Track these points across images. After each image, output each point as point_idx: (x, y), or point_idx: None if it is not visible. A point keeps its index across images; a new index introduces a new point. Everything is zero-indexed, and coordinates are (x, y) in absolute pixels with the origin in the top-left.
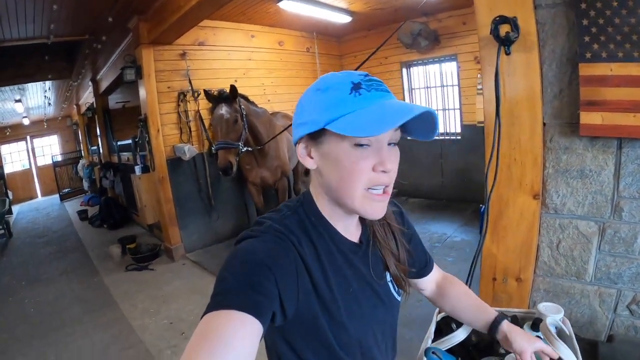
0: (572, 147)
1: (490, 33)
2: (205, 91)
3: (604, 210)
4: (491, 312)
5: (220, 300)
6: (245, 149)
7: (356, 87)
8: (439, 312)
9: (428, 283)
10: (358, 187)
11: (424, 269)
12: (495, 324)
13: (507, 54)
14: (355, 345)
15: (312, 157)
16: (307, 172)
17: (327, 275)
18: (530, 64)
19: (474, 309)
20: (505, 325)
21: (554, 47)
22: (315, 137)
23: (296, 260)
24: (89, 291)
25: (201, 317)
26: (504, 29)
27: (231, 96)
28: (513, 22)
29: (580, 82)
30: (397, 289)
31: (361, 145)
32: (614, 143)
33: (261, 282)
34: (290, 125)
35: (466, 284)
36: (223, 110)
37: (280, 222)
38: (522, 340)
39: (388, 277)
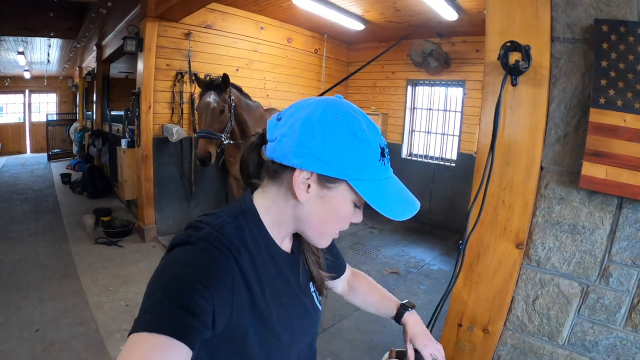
0: (568, 198)
1: (498, 59)
2: (195, 75)
3: (591, 273)
4: (395, 302)
5: (150, 321)
6: (227, 141)
7: (382, 153)
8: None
9: (339, 282)
10: (332, 232)
11: (341, 273)
12: (399, 314)
13: (514, 84)
14: (284, 355)
15: (308, 192)
16: None
17: (263, 286)
18: (537, 100)
19: (380, 299)
20: (408, 316)
21: (565, 86)
22: (329, 181)
23: (234, 274)
24: (53, 258)
25: (129, 334)
26: (514, 57)
27: (222, 85)
28: (525, 51)
29: (588, 129)
30: (319, 298)
31: (358, 206)
32: (614, 202)
33: (196, 302)
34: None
35: (428, 325)
36: (211, 98)
37: (220, 230)
38: (424, 338)
39: (312, 288)
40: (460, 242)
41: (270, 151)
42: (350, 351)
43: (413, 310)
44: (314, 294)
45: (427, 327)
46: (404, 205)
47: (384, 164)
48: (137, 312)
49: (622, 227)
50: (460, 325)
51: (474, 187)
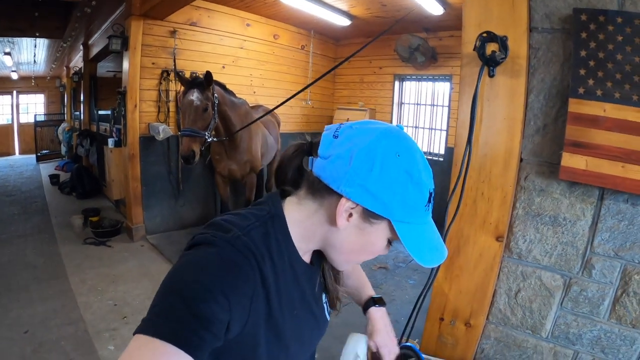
0: (548, 190)
1: (475, 50)
2: (178, 72)
3: (573, 265)
4: (366, 294)
5: (161, 327)
6: (212, 139)
7: (429, 198)
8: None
9: None
10: (357, 260)
11: None
12: (365, 307)
13: (491, 76)
14: None
15: (348, 221)
16: None
17: (280, 295)
18: (515, 91)
19: (355, 286)
20: (374, 311)
21: (544, 77)
22: (373, 216)
23: (255, 283)
24: (42, 259)
25: (135, 332)
26: (491, 47)
27: (205, 83)
28: (502, 42)
29: (567, 119)
30: (329, 309)
31: (390, 242)
32: (596, 193)
33: (213, 311)
34: (262, 116)
35: (409, 320)
36: (194, 96)
37: (247, 234)
38: (384, 336)
39: (324, 299)
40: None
41: (319, 168)
42: (338, 346)
43: (381, 306)
44: (325, 304)
45: (409, 321)
46: (434, 252)
47: (428, 209)
48: (125, 311)
49: (604, 218)
50: (442, 319)
51: (452, 179)
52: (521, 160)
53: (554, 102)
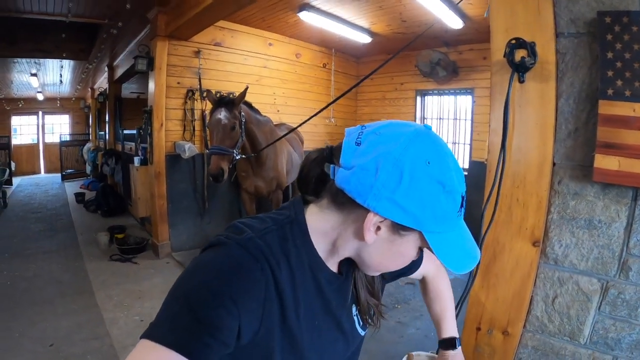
0: (582, 193)
1: (504, 56)
2: (206, 91)
3: (610, 268)
4: (445, 331)
5: (167, 332)
6: (239, 156)
7: (462, 203)
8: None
9: (416, 275)
10: (388, 269)
11: (405, 273)
12: (443, 346)
13: (521, 82)
14: None
15: (377, 234)
16: None
17: (298, 304)
18: (545, 95)
19: (437, 316)
20: (451, 356)
21: (573, 80)
22: (403, 229)
23: (267, 287)
24: (68, 274)
25: (141, 336)
26: (520, 54)
27: (236, 101)
28: (530, 48)
29: (598, 121)
30: (361, 323)
31: (422, 250)
32: (629, 193)
33: (220, 317)
34: (288, 133)
35: None
36: (222, 115)
37: (262, 237)
38: None
39: (354, 311)
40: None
41: (342, 180)
42: None
43: (459, 349)
44: (355, 317)
45: None
46: (466, 257)
47: (460, 215)
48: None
49: (639, 218)
50: (479, 328)
51: (486, 187)
52: (554, 164)
53: (584, 105)
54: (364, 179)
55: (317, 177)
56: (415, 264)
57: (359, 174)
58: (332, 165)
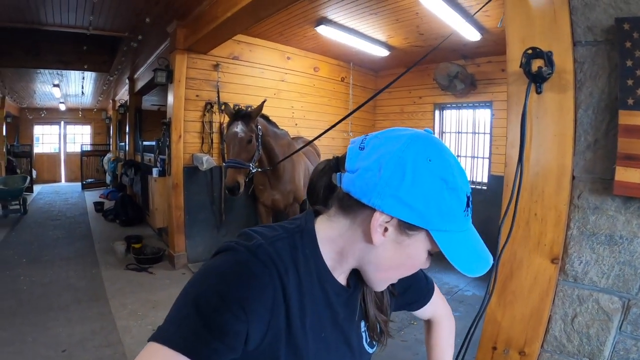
0: (602, 207)
1: (521, 67)
2: (224, 104)
3: (632, 285)
4: None
5: (174, 335)
6: (256, 169)
7: (467, 203)
8: None
9: (421, 313)
10: (396, 278)
11: (412, 305)
12: None
13: (538, 92)
14: None
15: (384, 236)
16: None
17: (304, 314)
18: (563, 106)
19: (432, 353)
20: None
21: (592, 90)
22: (410, 228)
23: (275, 294)
24: (84, 281)
25: (149, 339)
26: (537, 63)
27: (253, 114)
28: (547, 57)
29: (618, 132)
30: (369, 340)
31: (431, 254)
32: None
33: (227, 322)
34: (303, 147)
35: (460, 350)
36: (238, 128)
37: (271, 244)
38: None
39: (363, 327)
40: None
41: (347, 184)
42: None
43: None
44: (364, 333)
45: (459, 352)
46: (478, 260)
47: (467, 215)
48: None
49: None
50: (494, 348)
51: (504, 201)
52: (573, 177)
53: (604, 116)
54: (368, 179)
55: (325, 187)
56: (424, 296)
57: (363, 175)
58: (338, 173)
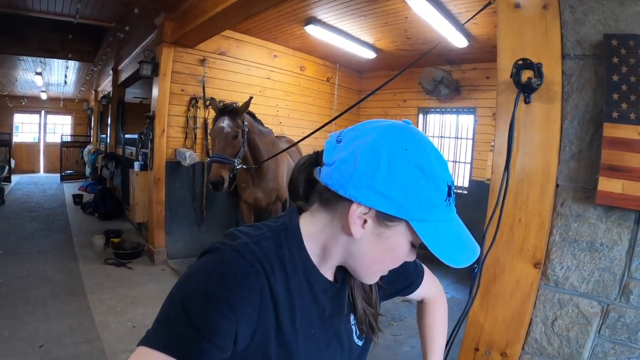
0: (584, 215)
1: (511, 77)
2: (210, 99)
3: (611, 291)
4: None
5: (162, 338)
6: (240, 166)
7: (449, 192)
8: None
9: (413, 296)
10: (383, 270)
11: (403, 291)
12: None
13: (527, 102)
14: None
15: (363, 228)
16: None
17: (294, 311)
18: (550, 117)
19: (425, 346)
20: None
21: (578, 102)
22: (388, 219)
23: (262, 293)
24: (61, 275)
25: (138, 343)
26: (527, 74)
27: (239, 110)
28: (537, 69)
29: (602, 144)
30: (359, 333)
31: (414, 245)
32: (632, 216)
33: (215, 322)
34: (290, 147)
35: (445, 348)
36: (225, 123)
37: (257, 243)
38: None
39: (352, 320)
40: (475, 267)
41: (325, 176)
42: None
43: None
44: (353, 327)
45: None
46: (463, 250)
47: (449, 204)
48: (143, 334)
49: None
50: (477, 349)
51: (489, 207)
52: (557, 185)
53: (588, 128)
54: (344, 171)
55: (306, 182)
56: (414, 281)
57: (339, 167)
58: (318, 167)
